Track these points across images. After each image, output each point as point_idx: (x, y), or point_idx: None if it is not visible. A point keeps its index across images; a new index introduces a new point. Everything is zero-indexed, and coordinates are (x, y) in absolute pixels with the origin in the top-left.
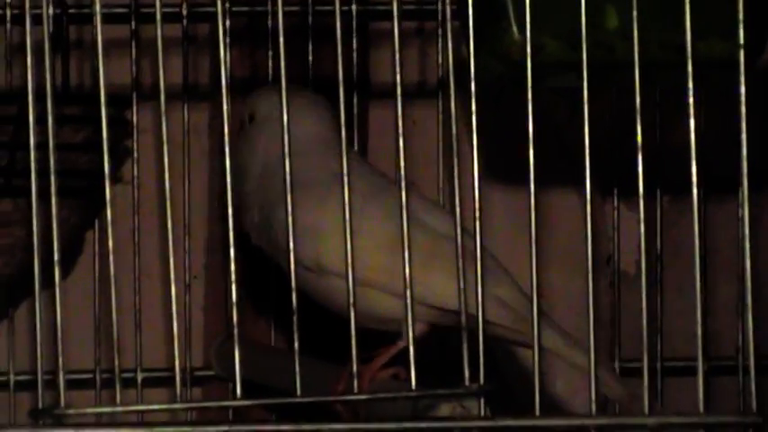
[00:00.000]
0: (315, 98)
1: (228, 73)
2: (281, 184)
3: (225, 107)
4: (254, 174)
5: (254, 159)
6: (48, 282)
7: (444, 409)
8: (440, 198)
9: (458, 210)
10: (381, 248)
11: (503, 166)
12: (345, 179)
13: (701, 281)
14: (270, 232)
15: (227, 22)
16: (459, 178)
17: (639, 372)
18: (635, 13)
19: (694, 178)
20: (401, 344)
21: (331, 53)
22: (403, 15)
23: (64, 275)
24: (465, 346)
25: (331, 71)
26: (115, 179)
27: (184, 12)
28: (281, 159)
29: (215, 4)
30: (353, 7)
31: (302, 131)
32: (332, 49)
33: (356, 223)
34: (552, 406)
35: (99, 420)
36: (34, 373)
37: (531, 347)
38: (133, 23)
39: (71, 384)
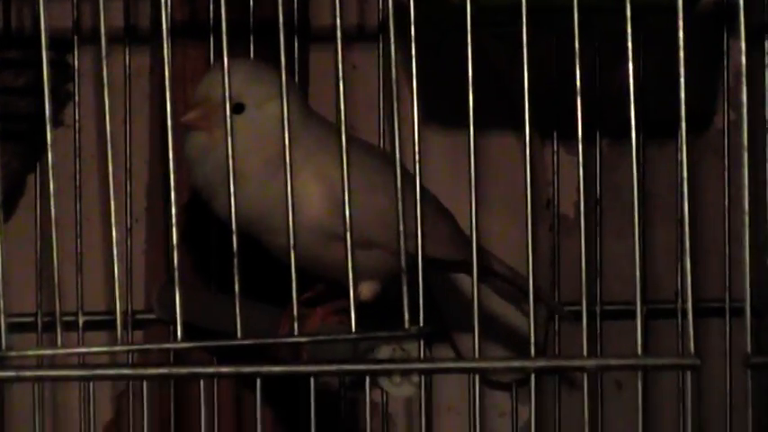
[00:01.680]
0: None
1: (169, 17)
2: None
3: (165, 50)
4: (255, 158)
5: (255, 147)
6: None
7: (384, 352)
8: (380, 142)
9: (397, 154)
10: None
11: (443, 111)
12: (286, 123)
13: (639, 224)
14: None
15: None
16: (399, 122)
17: (579, 315)
18: None
19: (633, 122)
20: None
21: None
22: None
23: (5, 219)
24: (405, 288)
25: (271, 14)
26: (56, 123)
27: None
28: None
29: None
30: None
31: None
32: None
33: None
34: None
35: (40, 363)
36: None
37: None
38: None
39: (12, 327)
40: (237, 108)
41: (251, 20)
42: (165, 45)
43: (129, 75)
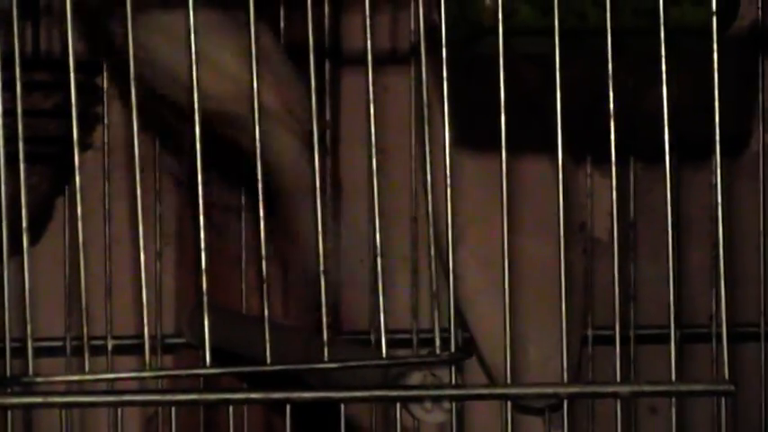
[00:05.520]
0: None
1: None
2: None
3: (194, 73)
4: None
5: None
6: (17, 248)
7: (415, 378)
8: (412, 165)
9: (429, 177)
10: None
11: (475, 133)
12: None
13: (673, 248)
14: None
15: None
16: (430, 145)
17: (613, 339)
18: None
19: (667, 145)
20: None
21: (302, 19)
22: None
23: (34, 242)
24: (435, 313)
25: (302, 37)
26: (85, 145)
27: None
28: None
29: None
30: None
31: None
32: (303, 14)
33: None
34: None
35: (68, 388)
36: (2, 340)
37: None
38: None
39: (41, 352)
40: None
41: (281, 41)
42: (194, 67)
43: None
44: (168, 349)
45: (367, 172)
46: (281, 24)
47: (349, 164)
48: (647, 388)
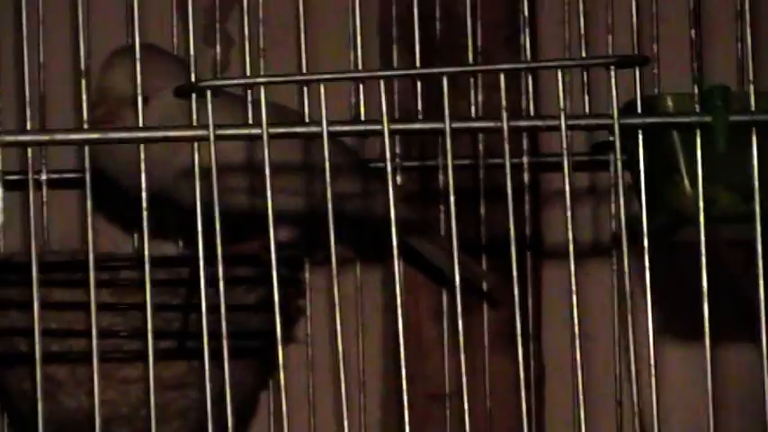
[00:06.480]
0: None
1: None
2: None
3: (396, 266)
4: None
5: None
6: None
7: None
8: (615, 349)
9: (633, 365)
10: None
11: (678, 320)
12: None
13: None
14: None
15: (398, 178)
16: (633, 332)
17: None
18: None
19: None
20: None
21: (503, 211)
22: (574, 167)
23: None
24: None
25: (504, 229)
26: (288, 339)
27: None
28: None
29: (384, 161)
30: (524, 159)
31: None
32: (504, 207)
33: None
34: None
35: None
36: None
37: None
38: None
39: None
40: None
41: (482, 233)
42: (396, 261)
43: (361, 288)
44: None
45: (571, 356)
46: (482, 212)
47: (553, 348)
48: None
